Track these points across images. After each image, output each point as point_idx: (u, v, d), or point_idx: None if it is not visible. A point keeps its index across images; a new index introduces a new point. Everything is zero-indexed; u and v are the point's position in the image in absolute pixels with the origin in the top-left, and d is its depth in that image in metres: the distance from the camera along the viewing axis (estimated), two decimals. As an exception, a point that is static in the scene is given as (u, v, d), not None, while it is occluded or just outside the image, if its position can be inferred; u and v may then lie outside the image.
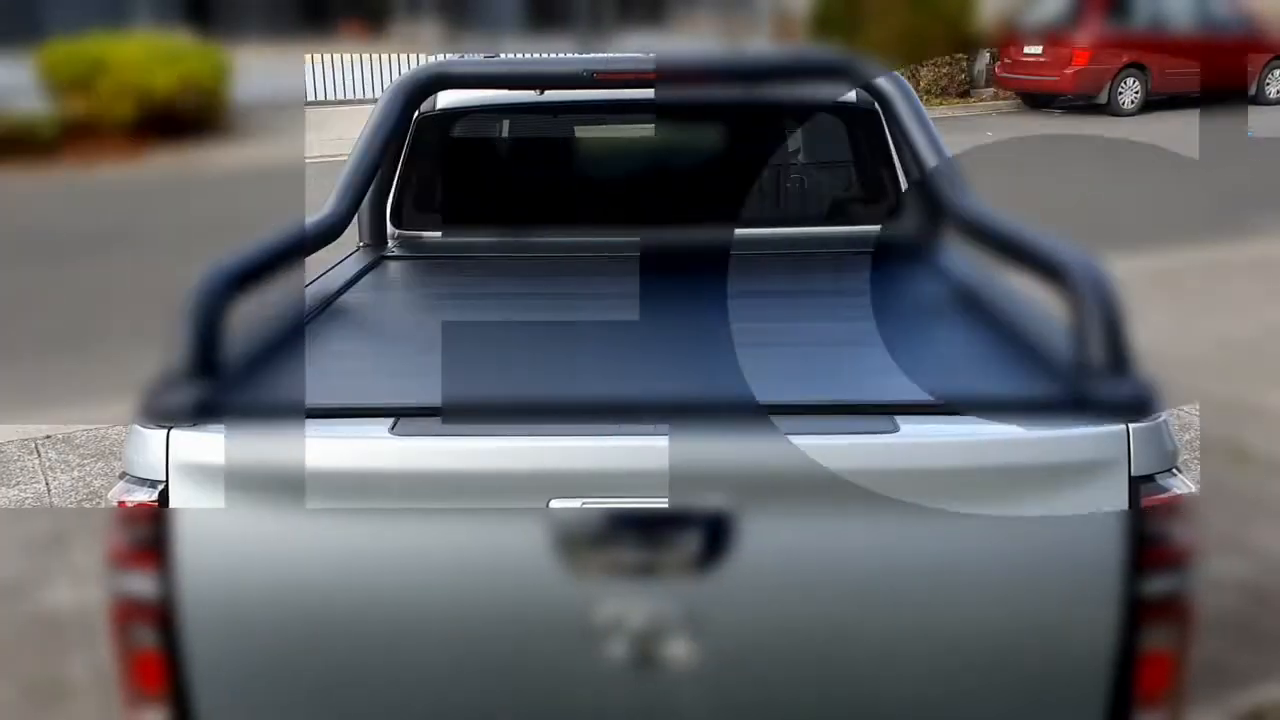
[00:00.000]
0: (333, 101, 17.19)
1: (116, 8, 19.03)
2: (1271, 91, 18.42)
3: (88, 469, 5.02)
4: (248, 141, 14.71)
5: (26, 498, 4.76)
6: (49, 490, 4.82)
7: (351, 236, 3.20)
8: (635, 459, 1.90)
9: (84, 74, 13.75)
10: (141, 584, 1.96)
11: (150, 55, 14.03)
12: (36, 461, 5.12)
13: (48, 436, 5.40)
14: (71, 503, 4.70)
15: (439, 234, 3.75)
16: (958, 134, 14.14)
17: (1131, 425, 1.93)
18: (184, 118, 14.13)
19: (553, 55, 4.23)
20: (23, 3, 16.19)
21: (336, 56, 17.56)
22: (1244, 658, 3.54)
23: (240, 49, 16.64)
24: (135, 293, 7.99)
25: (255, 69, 16.70)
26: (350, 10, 20.52)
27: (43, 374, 6.38)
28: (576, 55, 4.10)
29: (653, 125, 4.53)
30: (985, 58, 19.00)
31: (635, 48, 21.63)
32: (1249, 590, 3.92)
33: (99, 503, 4.63)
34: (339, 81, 17.18)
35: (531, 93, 3.53)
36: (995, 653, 1.96)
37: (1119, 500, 1.91)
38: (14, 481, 4.92)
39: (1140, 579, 1.93)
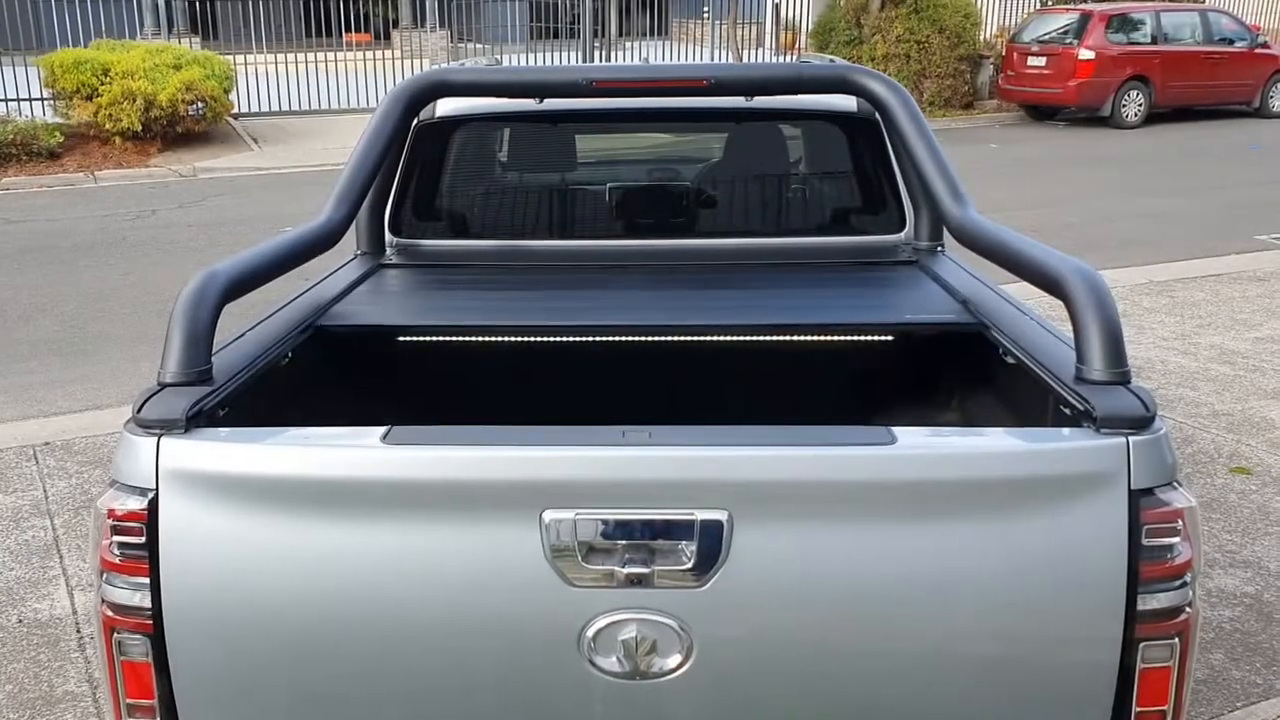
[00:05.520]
0: (337, 110, 17.22)
1: (122, 16, 19.09)
2: (1275, 105, 18.43)
3: (85, 476, 5.01)
4: (251, 148, 14.73)
5: (24, 504, 4.74)
6: (46, 496, 4.81)
7: (349, 243, 3.20)
8: (630, 469, 1.89)
9: (88, 81, 13.77)
10: (131, 592, 1.94)
11: (154, 63, 14.05)
12: (34, 468, 5.11)
13: (46, 443, 5.39)
14: (69, 509, 4.69)
15: (437, 241, 3.74)
16: (961, 145, 14.19)
17: (1131, 438, 1.91)
18: (188, 125, 14.16)
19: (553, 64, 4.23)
20: (29, 10, 16.24)
21: (342, 65, 17.60)
22: (1245, 673, 3.52)
23: (245, 57, 16.70)
24: (136, 296, 7.99)
25: (259, 77, 16.75)
26: (355, 20, 20.56)
27: (44, 376, 6.37)
28: (576, 64, 4.10)
29: (652, 134, 4.54)
30: (988, 70, 19.01)
31: (637, 58, 21.69)
32: (1250, 604, 3.90)
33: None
34: (342, 90, 17.21)
35: (531, 101, 3.52)
36: (992, 667, 1.94)
37: (1118, 514, 1.89)
38: (11, 488, 4.91)
39: (1140, 593, 1.91)
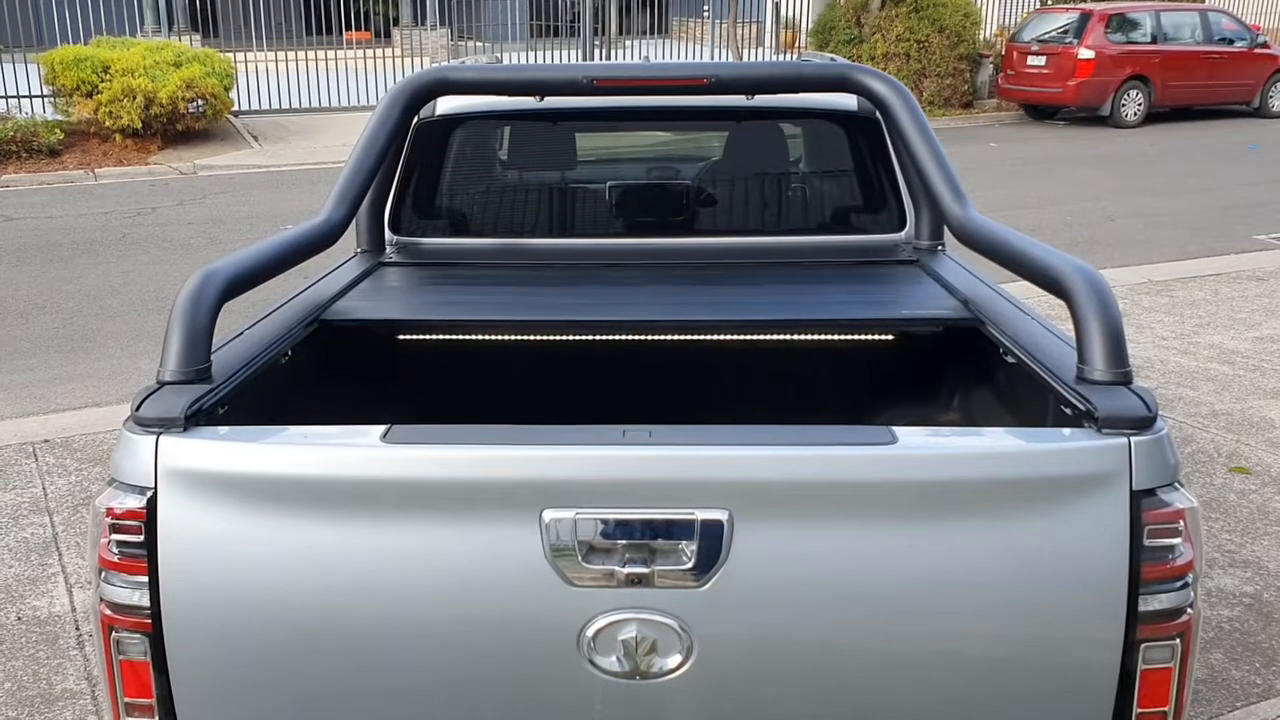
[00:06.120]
0: (337, 108, 17.22)
1: (122, 13, 19.09)
2: (1274, 105, 18.43)
3: (85, 473, 5.01)
4: (251, 146, 14.72)
5: (23, 501, 4.74)
6: (45, 494, 4.81)
7: (349, 242, 3.20)
8: (630, 469, 1.89)
9: (88, 78, 13.76)
10: (129, 591, 1.94)
11: (155, 60, 14.03)
12: (34, 465, 5.10)
13: (45, 440, 5.39)
14: (68, 506, 4.69)
15: (437, 239, 3.74)
16: (960, 145, 14.18)
17: (1133, 438, 1.90)
18: (188, 122, 14.14)
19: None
20: (29, 7, 16.24)
21: (342, 63, 17.61)
22: (1245, 672, 3.52)
23: (246, 55, 16.68)
24: (136, 293, 7.98)
25: (260, 74, 16.74)
26: (356, 18, 20.56)
27: (43, 373, 6.37)
28: (577, 62, 4.11)
29: (653, 132, 4.53)
30: (988, 69, 19.00)
31: (637, 56, 21.68)
32: (1250, 604, 3.90)
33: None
34: (343, 88, 17.21)
35: (531, 99, 3.52)
36: (993, 668, 1.93)
37: (1120, 515, 1.89)
38: (11, 485, 4.90)
39: (1141, 594, 1.90)
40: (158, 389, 2.03)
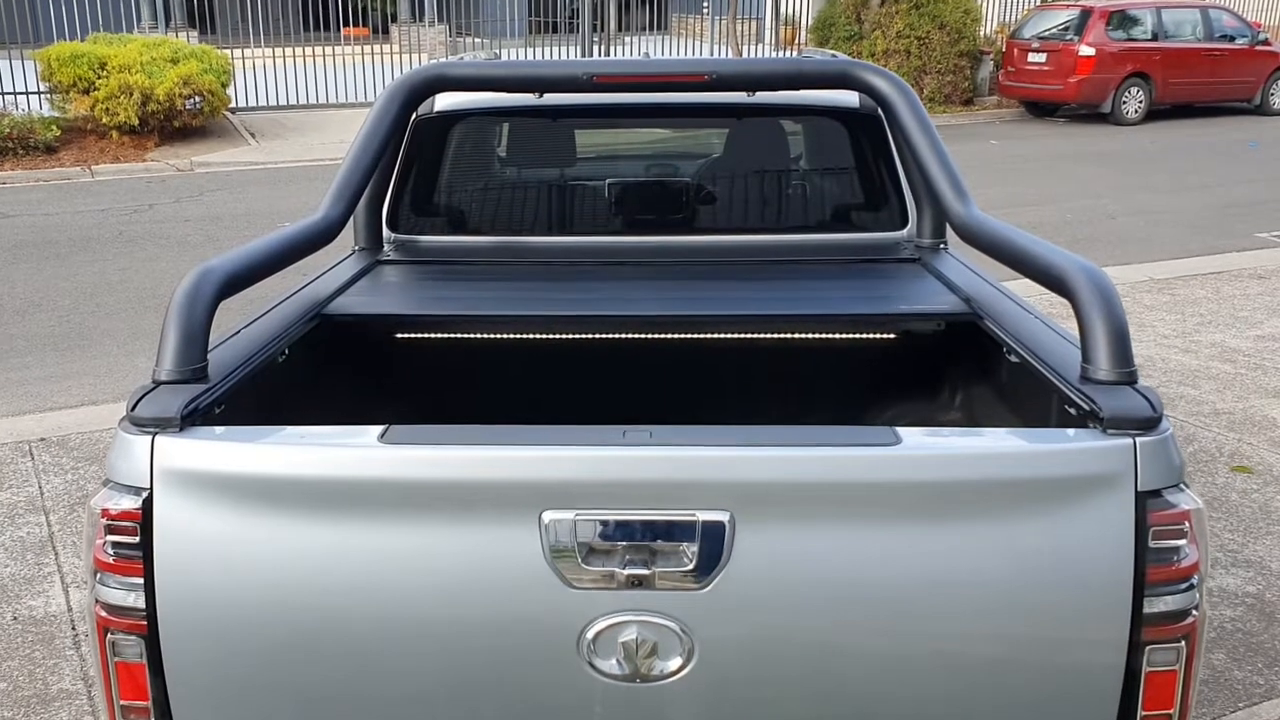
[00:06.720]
0: (335, 105, 17.19)
1: (119, 9, 19.05)
2: (1275, 102, 18.41)
3: (81, 472, 4.99)
4: (249, 143, 14.69)
5: (19, 500, 4.72)
6: (41, 493, 4.79)
7: (347, 240, 3.18)
8: (630, 470, 1.87)
9: (85, 75, 13.72)
10: (125, 593, 1.92)
11: (152, 56, 14.00)
12: (30, 464, 5.08)
13: (42, 439, 5.36)
14: (64, 505, 4.67)
15: (435, 237, 3.72)
16: (961, 142, 14.16)
17: (1138, 439, 1.88)
18: (185, 119, 14.11)
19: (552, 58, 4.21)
20: (26, 4, 16.21)
21: (340, 59, 17.57)
22: (1247, 673, 3.50)
23: (243, 51, 16.65)
24: (133, 291, 7.95)
25: (257, 71, 16.71)
26: (353, 14, 20.52)
27: (40, 371, 6.34)
28: (577, 58, 4.08)
29: (652, 129, 4.51)
30: (989, 66, 18.98)
31: (636, 53, 21.65)
32: (1252, 604, 3.88)
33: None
34: (341, 84, 17.18)
35: (530, 96, 3.49)
36: (996, 670, 1.92)
37: (1125, 516, 1.87)
38: (7, 484, 4.88)
39: (1146, 596, 1.89)
40: (153, 388, 2.01)
